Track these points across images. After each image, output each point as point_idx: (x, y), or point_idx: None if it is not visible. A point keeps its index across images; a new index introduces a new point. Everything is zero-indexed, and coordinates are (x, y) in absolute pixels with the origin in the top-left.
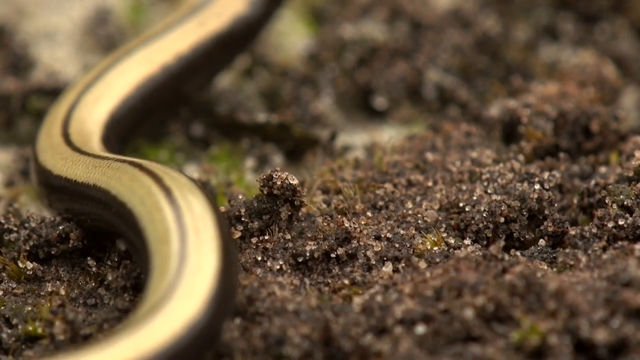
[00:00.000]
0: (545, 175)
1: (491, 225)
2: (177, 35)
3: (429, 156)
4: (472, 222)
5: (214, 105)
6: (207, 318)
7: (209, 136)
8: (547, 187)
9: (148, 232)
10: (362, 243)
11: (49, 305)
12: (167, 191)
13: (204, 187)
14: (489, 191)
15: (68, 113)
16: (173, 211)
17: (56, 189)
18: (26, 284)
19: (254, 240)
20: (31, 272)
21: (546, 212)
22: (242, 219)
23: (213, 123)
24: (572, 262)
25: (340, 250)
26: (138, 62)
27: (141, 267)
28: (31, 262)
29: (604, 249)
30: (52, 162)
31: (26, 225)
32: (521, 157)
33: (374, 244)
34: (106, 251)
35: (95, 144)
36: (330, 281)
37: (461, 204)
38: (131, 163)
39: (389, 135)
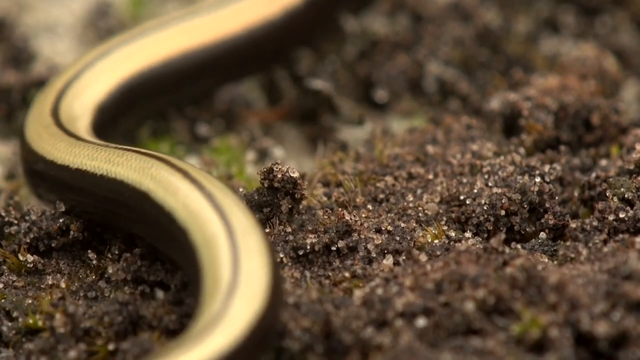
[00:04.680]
0: (546, 168)
1: (492, 218)
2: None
3: (430, 149)
4: (473, 215)
5: (214, 97)
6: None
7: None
8: (547, 180)
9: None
10: (362, 236)
11: (49, 298)
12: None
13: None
14: (489, 184)
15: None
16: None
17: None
18: (27, 276)
19: None
20: (32, 265)
21: (547, 205)
22: None
23: (213, 115)
24: (572, 255)
25: (340, 243)
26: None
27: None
28: (32, 255)
29: (605, 242)
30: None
31: (27, 218)
32: (522, 150)
33: (375, 237)
34: (107, 244)
35: (83, 130)
36: (330, 274)
37: (462, 197)
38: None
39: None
